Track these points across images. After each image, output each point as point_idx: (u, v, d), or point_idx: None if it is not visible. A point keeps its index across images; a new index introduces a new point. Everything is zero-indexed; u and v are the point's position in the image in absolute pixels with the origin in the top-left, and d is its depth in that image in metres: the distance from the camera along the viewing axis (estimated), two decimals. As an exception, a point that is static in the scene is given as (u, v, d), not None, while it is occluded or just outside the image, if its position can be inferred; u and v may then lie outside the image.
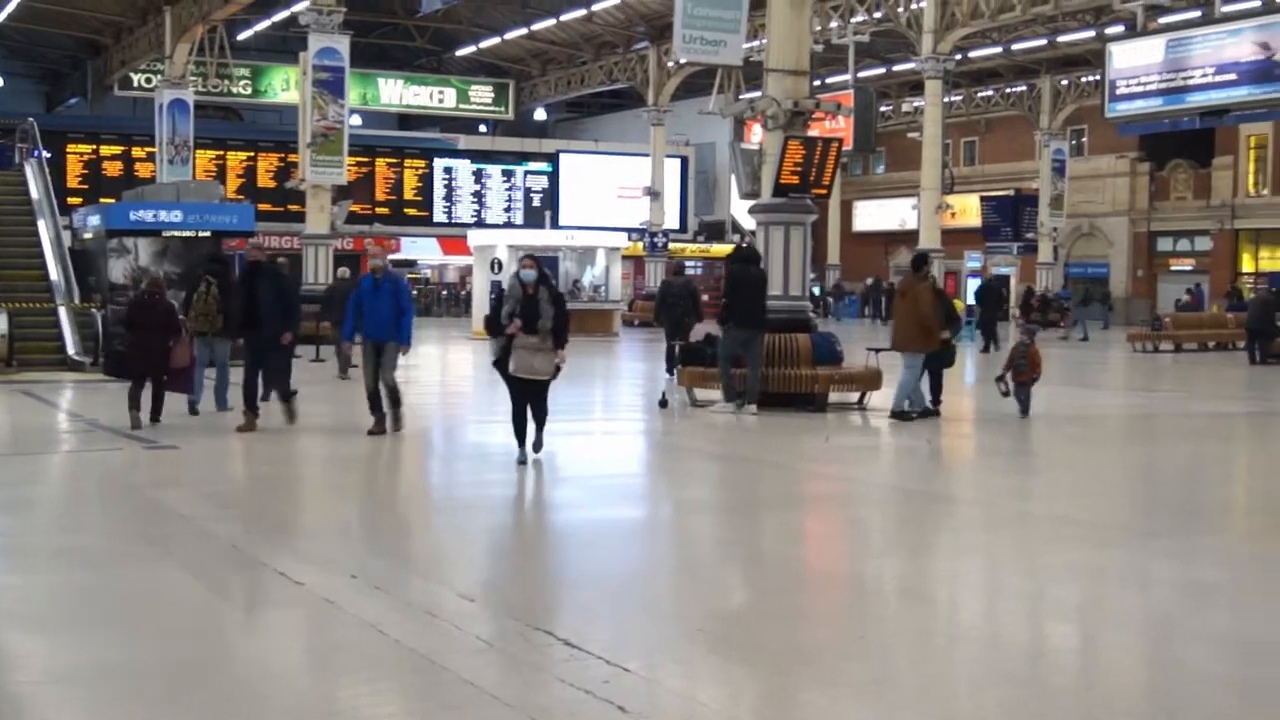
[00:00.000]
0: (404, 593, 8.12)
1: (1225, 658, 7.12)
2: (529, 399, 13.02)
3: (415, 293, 56.51)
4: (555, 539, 10.61)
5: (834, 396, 19.07)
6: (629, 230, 50.19)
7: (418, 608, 7.70)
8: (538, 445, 13.17)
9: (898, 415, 17.47)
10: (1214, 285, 52.33)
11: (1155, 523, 11.23)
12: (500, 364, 13.01)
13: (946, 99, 46.68)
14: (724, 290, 19.22)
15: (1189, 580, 8.97)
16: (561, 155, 62.40)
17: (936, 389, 17.99)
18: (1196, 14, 35.55)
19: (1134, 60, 33.81)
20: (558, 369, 13.06)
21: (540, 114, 69.44)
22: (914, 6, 41.18)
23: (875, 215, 68.21)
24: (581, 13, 49.86)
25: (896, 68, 51.42)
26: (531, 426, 13.10)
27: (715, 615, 7.90)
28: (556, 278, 36.66)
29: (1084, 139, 60.08)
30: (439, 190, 60.35)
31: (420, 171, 59.96)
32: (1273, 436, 18.79)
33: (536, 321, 12.73)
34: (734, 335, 18.06)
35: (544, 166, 61.94)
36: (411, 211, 59.57)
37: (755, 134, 24.78)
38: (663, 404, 18.90)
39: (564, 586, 8.74)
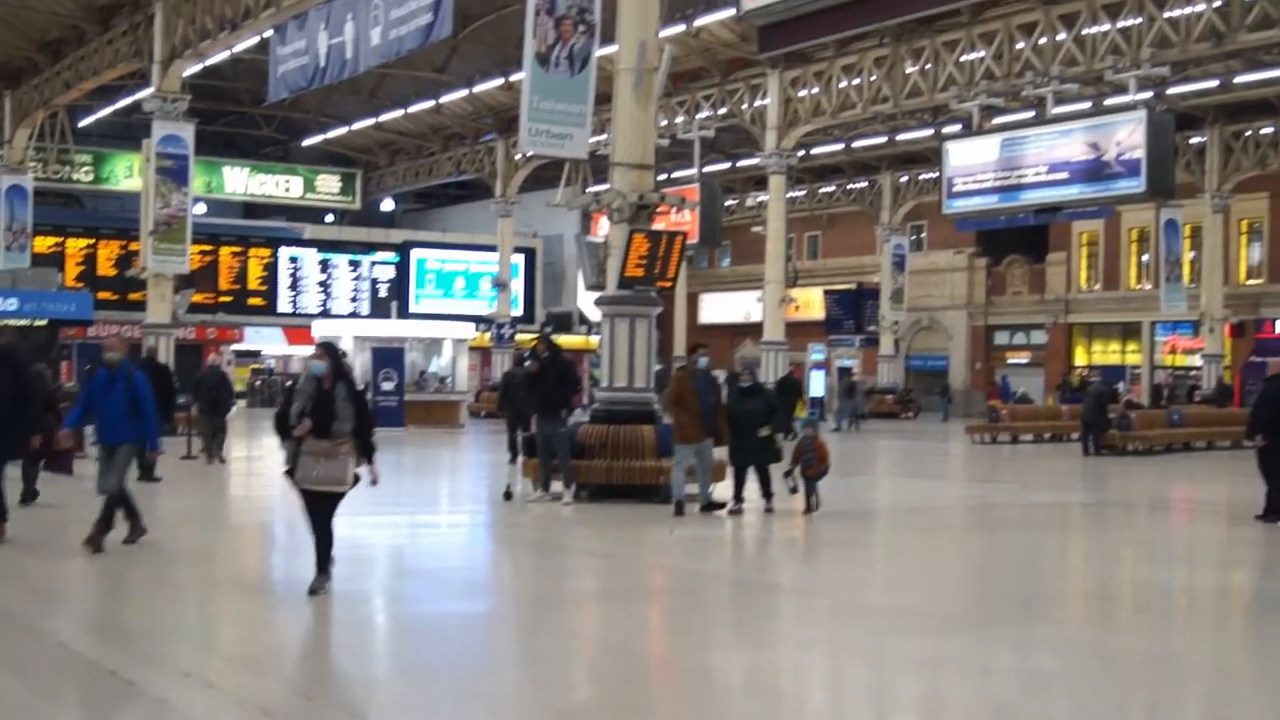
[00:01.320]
0: (238, 691, 7.95)
1: (1062, 747, 7.23)
2: (315, 514, 11.02)
3: (259, 383, 55.95)
4: (397, 633, 10.46)
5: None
6: (476, 321, 50.11)
7: (253, 706, 7.54)
8: (319, 579, 10.96)
9: (706, 508, 17.45)
10: (1049, 378, 53.58)
11: (994, 612, 11.38)
12: (292, 473, 10.99)
13: (790, 194, 47.40)
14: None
15: (1028, 669, 9.09)
16: (410, 246, 62.34)
17: (764, 483, 17.47)
18: (1029, 115, 36.63)
19: (970, 158, 34.71)
20: (356, 479, 10.94)
21: (388, 204, 69.27)
22: (758, 103, 41.88)
23: (721, 307, 68.84)
24: (429, 104, 49.93)
25: (741, 163, 52.14)
26: (323, 555, 11.11)
27: (558, 710, 7.84)
28: (402, 369, 36.46)
29: (923, 234, 61.33)
30: (284, 279, 59.91)
31: (265, 260, 59.54)
32: (1107, 526, 19.16)
33: (331, 423, 10.76)
34: (541, 428, 18.36)
35: (391, 256, 61.82)
36: (256, 301, 59.05)
37: (602, 227, 24.95)
38: (507, 496, 18.83)
39: (406, 682, 8.59)
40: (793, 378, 38.99)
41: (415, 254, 62.45)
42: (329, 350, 11.20)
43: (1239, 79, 39.15)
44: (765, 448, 17.38)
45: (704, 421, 17.08)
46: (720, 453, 17.76)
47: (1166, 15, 31.57)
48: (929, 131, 45.50)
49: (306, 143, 60.10)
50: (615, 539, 15.60)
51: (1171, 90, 38.83)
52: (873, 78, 38.52)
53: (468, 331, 42.69)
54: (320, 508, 10.93)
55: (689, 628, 10.48)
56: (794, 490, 17.38)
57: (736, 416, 17.28)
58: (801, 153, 45.92)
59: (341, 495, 10.97)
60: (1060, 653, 9.60)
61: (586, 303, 51.29)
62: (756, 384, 18.44)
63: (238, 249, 59.18)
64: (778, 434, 18.07)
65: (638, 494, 18.30)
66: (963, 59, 36.09)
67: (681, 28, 37.12)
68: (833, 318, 57.45)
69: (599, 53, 21.73)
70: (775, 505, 17.30)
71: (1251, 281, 50.98)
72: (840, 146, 50.64)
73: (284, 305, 59.81)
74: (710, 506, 17.36)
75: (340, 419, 10.79)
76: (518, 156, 49.26)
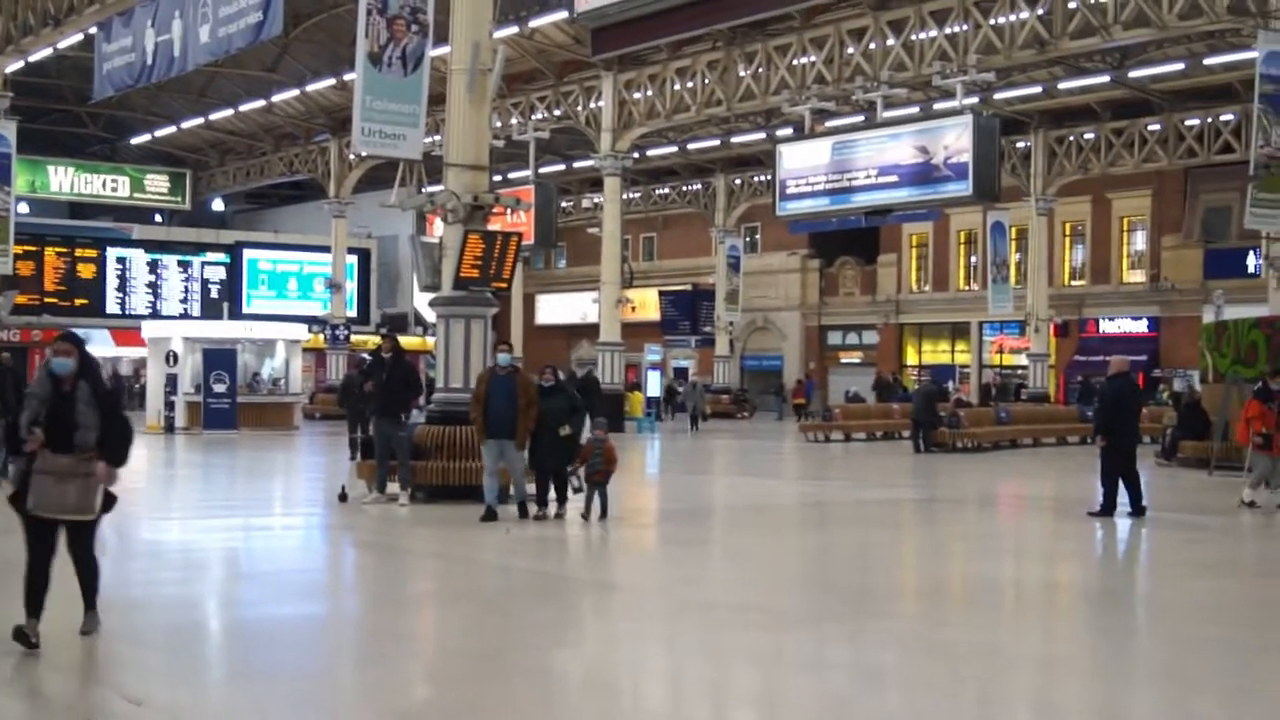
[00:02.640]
0: (65, 698, 7.78)
1: (895, 737, 7.36)
2: (57, 546, 8.94)
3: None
4: (230, 637, 10.30)
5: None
6: (310, 322, 49.49)
7: (77, 714, 7.38)
8: (89, 619, 9.20)
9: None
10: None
11: (829, 607, 11.53)
12: (18, 497, 8.82)
13: (625, 195, 47.62)
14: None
15: (861, 663, 9.24)
16: (241, 246, 61.47)
17: (560, 485, 17.21)
18: (860, 119, 37.19)
19: (802, 161, 35.14)
20: (109, 502, 8.98)
21: (218, 204, 68.16)
22: (593, 105, 41.96)
23: (558, 308, 68.92)
24: (260, 104, 49.24)
25: (577, 164, 52.18)
26: (79, 589, 9.20)
27: (396, 712, 7.78)
28: (234, 371, 35.91)
29: (758, 236, 61.99)
30: (112, 280, 58.74)
31: (92, 261, 58.17)
32: (938, 522, 19.52)
33: (73, 433, 8.77)
34: (380, 429, 18.25)
35: (222, 257, 60.89)
36: (82, 302, 57.74)
37: (436, 227, 24.83)
38: (342, 498, 18.65)
39: (239, 687, 8.47)
40: (591, 376, 39.06)
41: (247, 254, 61.59)
42: (74, 342, 9.04)
43: (1062, 85, 40.19)
44: (565, 448, 16.96)
45: (501, 421, 16.55)
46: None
47: (992, 22, 32.26)
48: (762, 134, 46.01)
49: (134, 142, 58.94)
50: (452, 540, 15.53)
51: (997, 96, 39.75)
52: (706, 81, 38.81)
53: (301, 333, 42.15)
54: (71, 538, 8.93)
55: (527, 627, 10.47)
56: (577, 490, 17.03)
57: (539, 415, 16.75)
58: (636, 155, 46.08)
59: (93, 524, 9.03)
60: (893, 646, 9.76)
61: (422, 304, 50.98)
62: (559, 383, 17.83)
63: (63, 249, 57.88)
64: (579, 434, 17.42)
65: (474, 495, 18.17)
66: (794, 63, 36.50)
67: (515, 29, 37.08)
68: (668, 319, 57.82)
69: (432, 53, 21.63)
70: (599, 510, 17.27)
71: (1075, 283, 52.36)
72: (675, 149, 50.94)
73: (112, 306, 58.61)
74: (491, 515, 16.45)
75: (84, 428, 8.79)
76: (351, 157, 48.78)
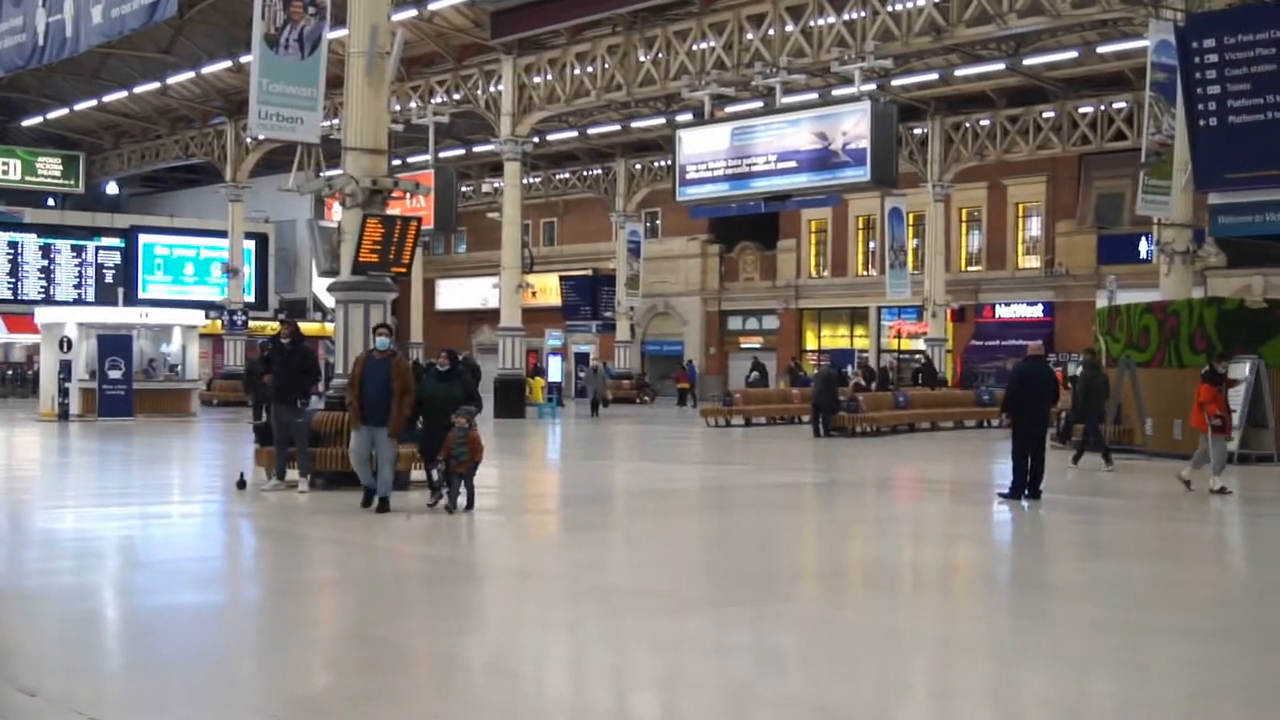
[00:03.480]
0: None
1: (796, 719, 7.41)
2: None
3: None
4: (128, 627, 10.17)
5: (416, 474, 19.02)
6: (207, 307, 48.91)
7: (-28, 706, 7.26)
8: None
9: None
10: (780, 362, 54.78)
11: (730, 591, 11.58)
12: None
13: (525, 180, 47.56)
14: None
15: (762, 646, 9.30)
16: (136, 231, 60.62)
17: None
18: (759, 104, 37.35)
19: (702, 147, 35.26)
20: None
21: (113, 188, 67.16)
22: (493, 89, 41.80)
23: (458, 294, 68.67)
24: (155, 86, 48.55)
25: (477, 149, 52.01)
26: None
27: (296, 700, 7.72)
28: (129, 357, 35.45)
29: (658, 221, 62.10)
30: (3, 265, 57.76)
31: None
32: (838, 505, 19.68)
33: None
34: (279, 416, 18.15)
35: (116, 242, 60.00)
36: (-27, 287, 56.76)
37: (335, 212, 24.65)
38: (240, 484, 18.48)
39: (136, 677, 8.37)
40: (470, 361, 39.01)
41: (142, 239, 60.71)
42: None
43: (958, 72, 40.61)
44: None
45: (375, 407, 16.01)
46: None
47: (889, 9, 32.52)
48: (662, 120, 46.09)
49: (26, 124, 57.88)
50: (351, 527, 15.40)
51: (895, 82, 40.12)
52: (606, 65, 38.79)
53: (198, 318, 41.66)
54: None
55: (428, 614, 10.43)
56: (438, 486, 16.28)
57: (430, 401, 16.47)
58: (536, 139, 46.04)
59: None
60: (793, 629, 9.84)
61: (321, 289, 50.64)
62: (454, 368, 17.39)
63: (-48, 234, 56.91)
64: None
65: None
66: (694, 48, 36.60)
67: (414, 12, 36.87)
68: (569, 304, 57.89)
69: (330, 36, 21.48)
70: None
71: (972, 268, 52.94)
72: (575, 133, 50.90)
73: (3, 292, 57.66)
74: (384, 505, 16.04)
75: None
76: (248, 140, 48.29)
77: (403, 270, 20.43)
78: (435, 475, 16.28)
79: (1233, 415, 20.25)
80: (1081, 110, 42.99)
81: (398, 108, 41.29)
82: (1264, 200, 21.98)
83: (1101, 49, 37.28)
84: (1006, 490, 18.11)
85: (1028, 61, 38.90)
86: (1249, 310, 26.05)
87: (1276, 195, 21.73)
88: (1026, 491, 17.90)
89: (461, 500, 15.93)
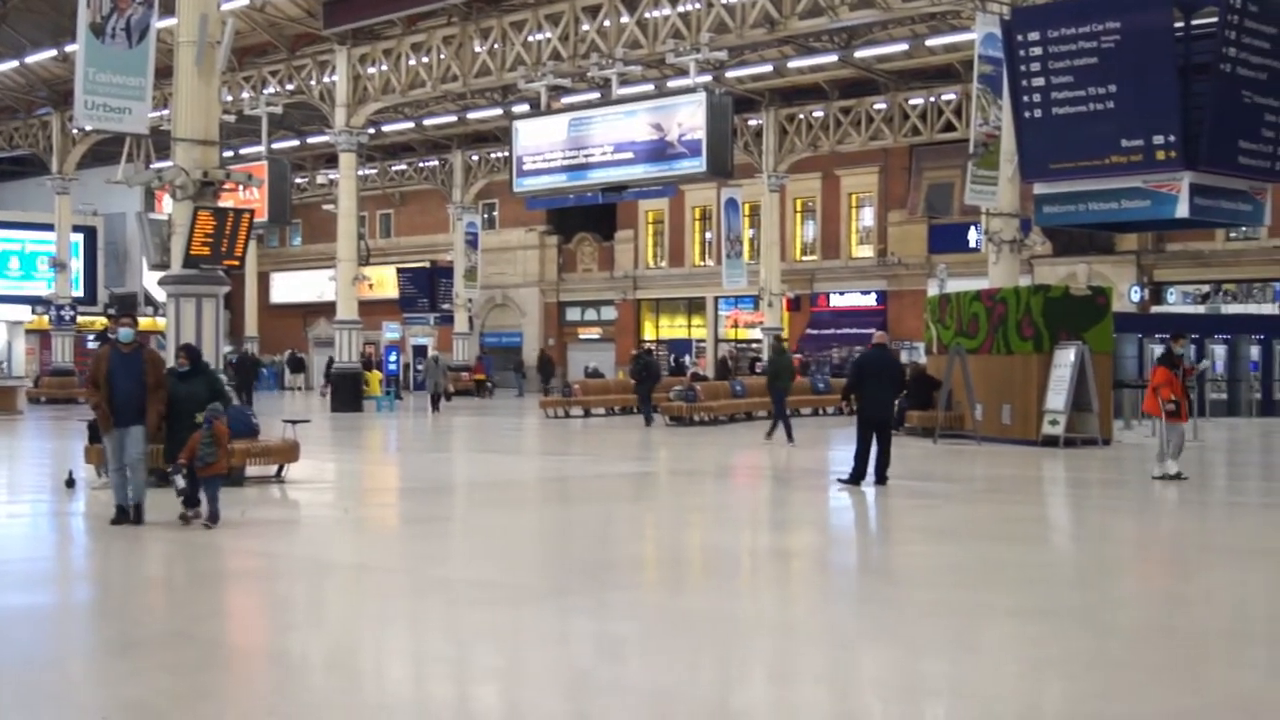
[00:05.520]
0: None
1: (637, 707, 7.46)
2: None
3: None
4: (-48, 632, 9.90)
5: (252, 470, 18.80)
6: (33, 303, 47.74)
7: None
8: None
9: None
10: (619, 353, 54.97)
11: (570, 581, 11.61)
12: None
13: (361, 172, 47.08)
14: None
15: (603, 634, 9.34)
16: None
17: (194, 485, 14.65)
18: (596, 96, 37.42)
19: (539, 138, 35.25)
20: None
21: (-71, 180, 65.32)
22: (327, 80, 41.34)
23: (293, 287, 67.87)
24: (-24, 75, 47.30)
25: (311, 140, 51.41)
26: None
27: (128, 702, 7.58)
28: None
29: (495, 212, 61.96)
30: None
31: None
32: (677, 493, 19.80)
33: None
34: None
35: (-62, 236, 58.38)
36: None
37: (166, 204, 24.24)
38: (69, 483, 18.08)
39: (-37, 682, 8.17)
40: (247, 355, 38.79)
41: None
42: None
43: (792, 64, 41.08)
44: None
45: (128, 405, 14.35)
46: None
47: (724, 1, 32.80)
48: (499, 111, 45.96)
49: None
50: (194, 520, 15.12)
51: (730, 74, 40.41)
52: (442, 56, 38.59)
53: (23, 314, 40.66)
54: None
55: (266, 610, 10.32)
56: (180, 492, 14.50)
57: (173, 401, 14.72)
58: (372, 130, 45.62)
59: None
60: (634, 617, 9.89)
61: (152, 283, 49.66)
62: (198, 365, 15.94)
63: None
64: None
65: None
66: (530, 39, 36.56)
67: (245, 1, 36.31)
68: (407, 296, 57.51)
69: (159, 24, 21.09)
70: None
71: (806, 258, 53.57)
72: (411, 125, 50.52)
73: None
74: (124, 516, 14.44)
75: None
76: (74, 131, 47.18)
77: (236, 263, 20.20)
78: (181, 482, 14.44)
79: (1190, 400, 19.89)
80: (912, 102, 43.74)
81: (229, 98, 40.67)
82: (1087, 190, 22.50)
83: (931, 42, 37.94)
84: (846, 476, 18.35)
85: (859, 54, 39.48)
86: (1074, 297, 26.72)
87: (1099, 185, 22.25)
88: (875, 478, 18.16)
89: (206, 508, 14.35)
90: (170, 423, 14.82)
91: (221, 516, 14.33)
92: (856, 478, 18.20)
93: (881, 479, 18.25)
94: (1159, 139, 20.88)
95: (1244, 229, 39.09)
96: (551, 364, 53.32)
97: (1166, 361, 19.33)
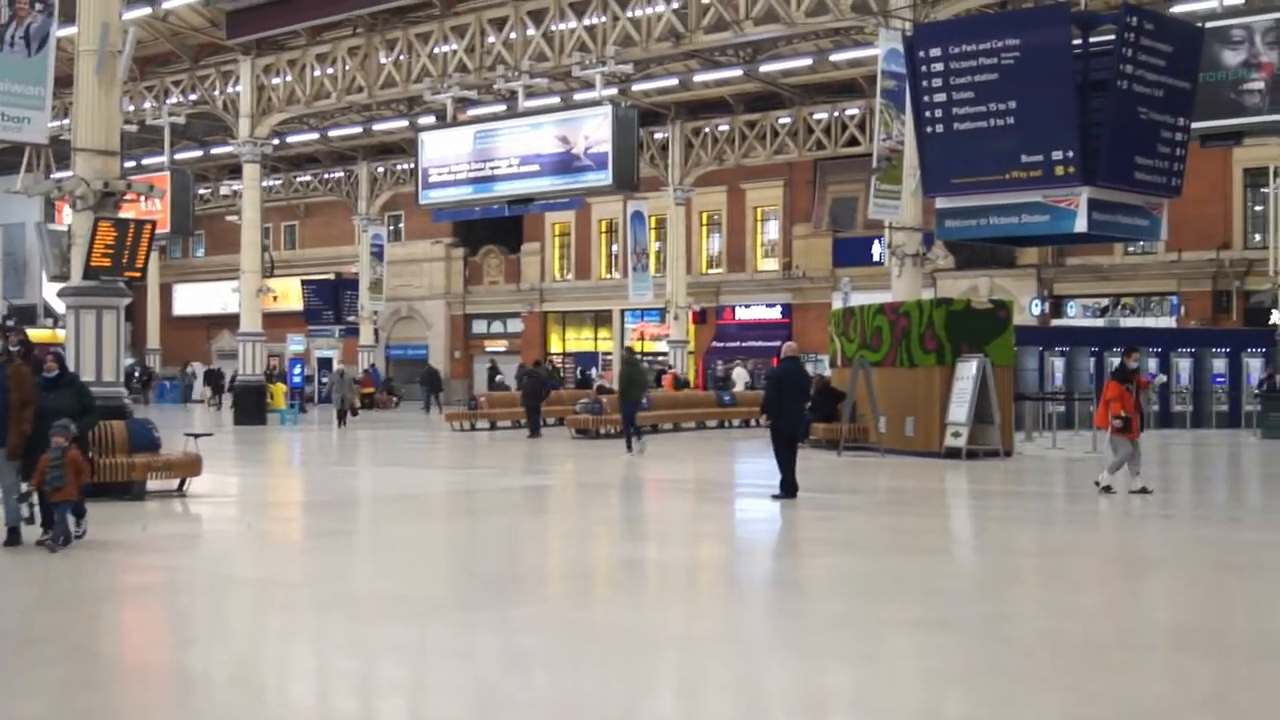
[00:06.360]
0: None
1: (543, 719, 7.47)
2: None
3: None
4: None
5: (153, 484, 18.59)
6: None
7: None
8: None
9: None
10: (526, 363, 54.84)
11: (476, 595, 11.58)
12: None
13: (265, 183, 46.71)
14: None
15: (509, 648, 9.31)
16: None
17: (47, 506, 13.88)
18: (502, 108, 37.39)
19: (445, 150, 35.16)
20: None
21: None
22: (231, 90, 41.01)
23: (197, 298, 67.20)
24: None
25: (215, 150, 50.96)
26: None
27: None
28: None
29: (401, 224, 61.75)
30: None
31: None
32: (584, 506, 19.80)
33: None
34: None
35: None
36: None
37: (65, 215, 23.94)
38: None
39: None
40: (136, 370, 38.45)
41: None
42: None
43: (697, 78, 41.30)
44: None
45: None
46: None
47: (629, 15, 32.90)
48: (404, 122, 45.79)
49: None
50: (86, 537, 14.92)
51: (635, 87, 40.58)
52: (347, 67, 38.42)
53: (-83, 327, 39.94)
54: None
55: (166, 626, 10.21)
56: (29, 520, 13.73)
57: (39, 414, 13.70)
58: (276, 141, 45.31)
59: None
60: (540, 630, 9.88)
61: (52, 294, 48.96)
62: (65, 373, 15.10)
63: None
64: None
65: (109, 491, 17.62)
66: (436, 51, 36.50)
67: (147, 10, 35.97)
68: (311, 308, 57.08)
69: (59, 33, 20.81)
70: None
71: (712, 270, 53.83)
72: (316, 135, 50.25)
73: None
74: (14, 537, 13.73)
75: None
76: (-29, 141, 46.40)
77: (137, 275, 19.97)
78: (26, 511, 13.65)
79: (1139, 415, 19.67)
80: (816, 116, 44.09)
81: (131, 108, 40.22)
82: (987, 204, 22.72)
83: (835, 57, 38.29)
84: (778, 491, 18.23)
85: (764, 68, 39.77)
86: (975, 311, 27.02)
87: (999, 200, 22.49)
88: (781, 491, 18.12)
89: (75, 531, 13.66)
90: (35, 437, 13.64)
91: (74, 538, 13.55)
92: (788, 489, 18.13)
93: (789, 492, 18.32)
94: (1058, 154, 21.13)
95: (1141, 243, 39.67)
96: (438, 378, 52.86)
97: (1120, 376, 19.20)
